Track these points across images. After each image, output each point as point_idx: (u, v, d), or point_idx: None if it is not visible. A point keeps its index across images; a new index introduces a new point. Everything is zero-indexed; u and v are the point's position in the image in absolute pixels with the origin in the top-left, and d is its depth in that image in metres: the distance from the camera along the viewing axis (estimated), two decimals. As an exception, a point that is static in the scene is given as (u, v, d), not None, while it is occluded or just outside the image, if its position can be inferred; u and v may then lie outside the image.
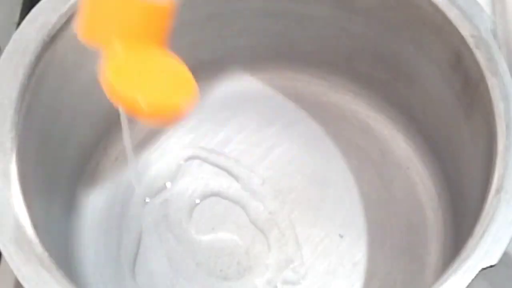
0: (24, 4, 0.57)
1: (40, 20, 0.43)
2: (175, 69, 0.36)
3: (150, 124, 0.35)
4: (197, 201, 0.51)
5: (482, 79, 0.42)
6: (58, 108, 0.46)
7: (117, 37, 0.36)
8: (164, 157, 0.53)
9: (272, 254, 0.49)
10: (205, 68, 0.54)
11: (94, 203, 0.51)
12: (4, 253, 0.37)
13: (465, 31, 0.43)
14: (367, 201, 0.51)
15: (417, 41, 0.48)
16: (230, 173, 0.52)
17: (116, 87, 0.34)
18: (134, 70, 0.36)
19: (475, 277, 0.36)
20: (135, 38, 0.36)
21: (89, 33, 0.37)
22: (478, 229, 0.38)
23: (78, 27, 0.37)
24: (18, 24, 0.45)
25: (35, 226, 0.38)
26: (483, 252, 0.37)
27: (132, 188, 0.52)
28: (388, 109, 0.54)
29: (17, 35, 0.43)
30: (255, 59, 0.55)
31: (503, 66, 0.42)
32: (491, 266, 0.37)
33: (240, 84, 0.55)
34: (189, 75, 0.36)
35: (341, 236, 0.50)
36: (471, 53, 0.43)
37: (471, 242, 0.37)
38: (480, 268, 0.36)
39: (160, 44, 0.37)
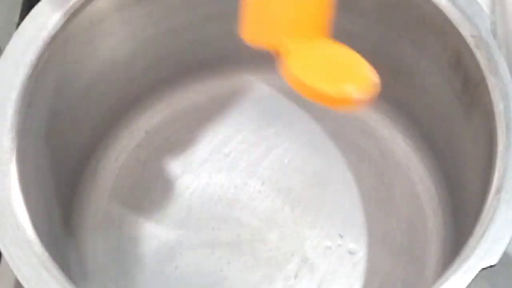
0: (24, 4, 0.56)
1: (40, 20, 0.43)
2: (351, 57, 0.38)
3: (336, 108, 0.40)
4: (197, 200, 0.51)
5: (482, 79, 0.42)
6: (58, 108, 0.46)
7: (287, 34, 0.38)
8: (164, 157, 0.53)
9: (272, 254, 0.49)
10: (205, 68, 0.54)
11: (94, 203, 0.51)
12: (4, 253, 0.37)
13: (465, 31, 0.43)
14: (367, 201, 0.51)
15: (417, 41, 0.48)
16: (230, 173, 0.52)
17: (304, 82, 0.36)
18: (316, 63, 0.38)
19: (475, 277, 0.36)
20: (303, 32, 0.38)
21: (256, 35, 0.39)
22: (478, 229, 0.38)
23: (244, 31, 0.39)
24: (18, 24, 0.45)
25: (35, 226, 0.39)
26: (483, 252, 0.37)
27: (132, 189, 0.52)
28: (388, 109, 0.54)
29: (17, 35, 0.43)
30: (255, 59, 0.55)
31: (503, 66, 0.42)
32: (491, 266, 0.37)
33: (240, 84, 0.55)
34: (364, 63, 0.38)
35: (341, 236, 0.50)
36: (471, 53, 0.43)
37: (471, 242, 0.37)
38: (480, 268, 0.36)
39: (324, 34, 0.39)
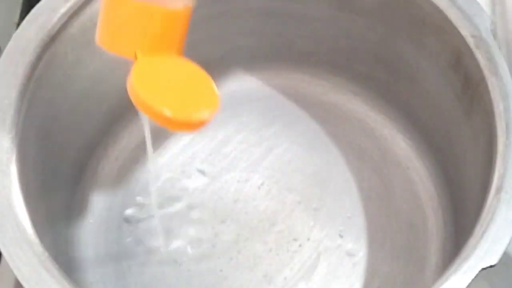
0: (24, 4, 0.56)
1: (40, 20, 0.43)
2: (198, 78, 0.37)
3: (173, 131, 0.36)
4: (197, 200, 0.51)
5: (482, 79, 0.42)
6: (57, 108, 0.46)
7: (138, 46, 0.36)
8: (164, 157, 0.53)
9: (272, 254, 0.49)
10: (205, 68, 0.54)
11: (94, 203, 0.51)
12: (4, 253, 0.37)
13: (465, 31, 0.43)
14: (367, 201, 0.51)
15: (417, 41, 0.48)
16: (230, 173, 0.52)
17: (142, 97, 0.35)
18: (159, 79, 0.36)
19: (475, 277, 0.36)
20: (155, 45, 0.37)
21: (108, 41, 0.37)
22: (478, 229, 0.38)
23: (97, 35, 0.38)
24: (18, 24, 0.45)
25: (35, 226, 0.39)
26: (483, 252, 0.37)
27: (132, 189, 0.52)
28: (388, 109, 0.54)
29: (17, 35, 0.43)
30: (255, 59, 0.55)
31: (503, 66, 0.42)
32: (491, 266, 0.36)
33: (240, 84, 0.55)
34: (211, 84, 0.37)
35: (341, 236, 0.50)
36: (471, 53, 0.43)
37: (471, 242, 0.37)
38: (480, 268, 0.36)
39: (178, 50, 0.38)
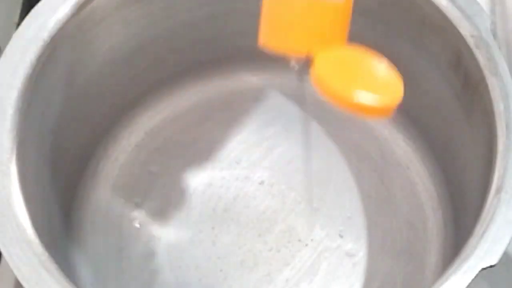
0: (24, 4, 0.57)
1: (40, 20, 0.43)
2: (379, 65, 0.38)
3: (363, 116, 0.39)
4: (197, 200, 0.51)
5: (482, 79, 0.42)
6: (57, 108, 0.46)
7: (309, 42, 0.38)
8: (164, 157, 0.53)
9: (272, 254, 0.49)
10: (205, 68, 0.54)
11: (94, 203, 0.51)
12: (4, 253, 0.37)
13: (465, 31, 0.43)
14: (367, 201, 0.51)
15: (417, 41, 0.48)
16: (230, 173, 0.52)
17: (332, 87, 0.36)
18: (344, 69, 0.38)
19: (475, 277, 0.36)
20: (325, 39, 0.38)
21: (276, 42, 0.39)
22: (478, 229, 0.38)
23: (263, 37, 0.39)
24: (18, 24, 0.45)
25: (35, 226, 0.38)
26: (483, 252, 0.37)
27: (132, 189, 0.52)
28: (388, 109, 0.53)
29: (17, 35, 0.43)
30: (255, 59, 0.55)
31: (503, 66, 0.42)
32: (491, 266, 0.36)
33: (240, 84, 0.55)
34: (393, 71, 0.38)
35: (341, 236, 0.50)
36: (471, 53, 0.43)
37: (471, 242, 0.37)
38: (480, 268, 0.36)
39: (344, 40, 0.39)
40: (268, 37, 0.39)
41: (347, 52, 0.38)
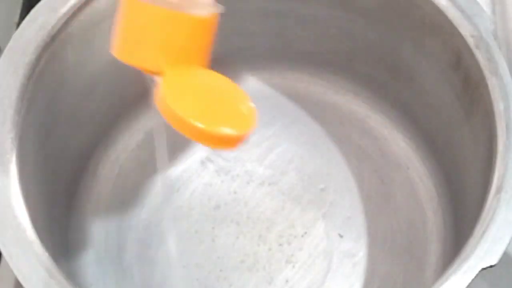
0: (24, 4, 0.57)
1: (40, 20, 0.43)
2: (231, 92, 0.35)
3: (210, 147, 0.35)
4: (197, 200, 0.51)
5: (482, 79, 0.42)
6: (58, 108, 0.46)
7: (162, 58, 0.34)
8: (164, 157, 0.53)
9: (272, 254, 0.49)
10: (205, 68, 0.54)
11: (94, 203, 0.51)
12: (4, 253, 0.37)
13: (465, 31, 0.43)
14: (367, 201, 0.51)
15: (417, 41, 0.48)
16: (230, 173, 0.52)
17: (175, 112, 0.33)
18: (193, 93, 0.34)
19: (475, 277, 0.36)
20: (180, 57, 0.35)
21: (127, 54, 0.35)
22: (478, 229, 0.38)
23: (114, 46, 0.35)
24: (18, 24, 0.45)
25: (35, 226, 0.38)
26: (483, 252, 0.37)
27: (132, 189, 0.52)
28: (388, 109, 0.54)
29: (17, 35, 0.43)
30: (255, 59, 0.55)
31: (503, 66, 0.42)
32: (491, 266, 0.36)
33: (240, 84, 0.55)
34: (246, 98, 0.35)
35: (341, 236, 0.50)
36: (471, 53, 0.43)
37: (471, 242, 0.37)
38: (480, 268, 0.36)
39: (204, 62, 0.35)
40: (121, 49, 0.35)
41: (200, 75, 0.35)
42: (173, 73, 0.34)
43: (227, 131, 0.33)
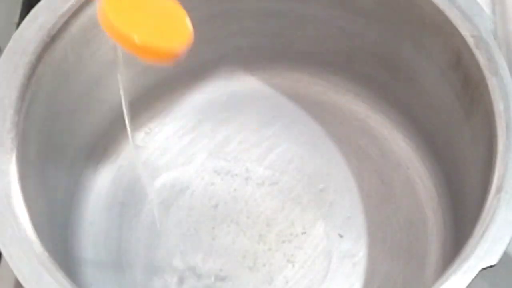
0: (24, 4, 0.56)
1: (40, 20, 0.43)
2: (172, 10, 0.36)
3: (146, 62, 0.37)
4: (197, 200, 0.51)
5: (482, 79, 0.42)
6: (58, 108, 0.46)
7: None
8: (164, 157, 0.53)
9: (272, 254, 0.49)
10: (205, 68, 0.54)
11: (94, 203, 0.51)
12: (4, 253, 0.37)
13: (465, 31, 0.43)
14: (367, 201, 0.51)
15: (417, 41, 0.48)
16: (230, 173, 0.52)
17: (113, 23, 0.34)
18: (132, 8, 0.36)
19: (475, 277, 0.36)
20: None
21: None
22: (478, 229, 0.38)
23: None
24: (18, 24, 0.45)
25: (35, 226, 0.38)
26: (483, 252, 0.37)
27: (132, 189, 0.52)
28: (388, 109, 0.54)
29: (17, 35, 0.43)
30: (255, 59, 0.55)
31: (503, 66, 0.42)
32: (491, 266, 0.36)
33: (240, 84, 0.55)
34: (185, 17, 0.36)
35: (341, 236, 0.50)
36: (471, 53, 0.43)
37: (471, 242, 0.37)
38: (480, 268, 0.36)
39: None
40: None
41: None
42: None
43: (161, 44, 0.35)
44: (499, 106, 0.41)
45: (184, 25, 0.36)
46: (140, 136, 0.54)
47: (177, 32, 0.36)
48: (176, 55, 0.35)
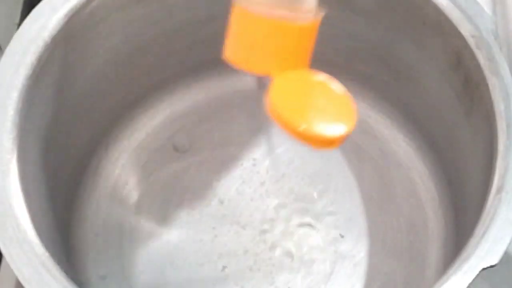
0: (24, 4, 0.57)
1: (40, 21, 0.43)
2: (335, 93, 0.37)
3: (315, 147, 0.37)
4: (198, 200, 0.51)
5: (482, 79, 0.42)
6: (58, 108, 0.46)
7: (271, 63, 0.37)
8: (165, 157, 0.53)
9: (272, 254, 0.49)
10: (205, 68, 0.54)
11: (95, 203, 0.51)
12: (5, 254, 0.37)
13: (465, 31, 0.43)
14: (367, 201, 0.51)
15: (417, 41, 0.48)
16: (230, 173, 0.52)
17: (281, 113, 0.36)
18: (298, 96, 0.37)
19: (476, 277, 0.36)
20: (288, 62, 0.37)
21: (240, 59, 0.38)
22: (479, 229, 0.38)
23: (227, 52, 0.38)
24: (19, 24, 0.45)
25: (36, 226, 0.38)
26: (483, 252, 0.37)
27: (132, 189, 0.52)
28: (388, 109, 0.54)
29: (18, 35, 0.43)
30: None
31: (503, 66, 0.42)
32: (491, 266, 0.36)
33: (240, 84, 0.55)
34: (348, 99, 0.37)
35: (342, 236, 0.50)
36: (472, 53, 0.43)
37: (471, 242, 0.37)
38: (480, 268, 0.36)
39: (307, 63, 0.38)
40: (232, 52, 0.38)
41: (305, 78, 0.37)
42: (281, 77, 0.37)
43: (326, 132, 0.36)
44: (499, 106, 0.41)
45: (348, 107, 0.36)
46: (141, 136, 0.54)
47: (342, 117, 0.36)
48: (339, 140, 0.36)
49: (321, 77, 0.37)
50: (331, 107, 0.37)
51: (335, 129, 0.36)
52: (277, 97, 0.36)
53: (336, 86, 0.37)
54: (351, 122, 0.36)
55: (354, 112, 0.36)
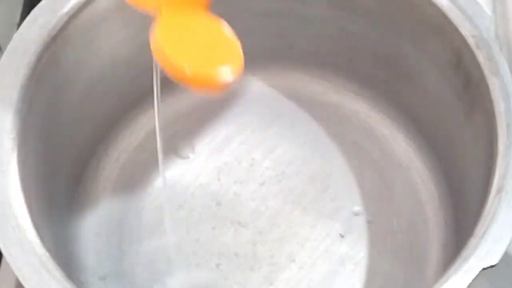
0: (24, 4, 0.57)
1: (40, 21, 0.43)
2: (223, 36, 0.36)
3: (197, 91, 0.36)
4: (198, 200, 0.51)
5: (482, 79, 0.42)
6: (58, 109, 0.46)
7: (165, 1, 0.35)
8: (164, 157, 0.53)
9: (272, 254, 0.49)
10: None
11: (95, 203, 0.51)
12: (5, 254, 0.37)
13: (465, 31, 0.43)
14: (367, 201, 0.51)
15: (417, 41, 0.48)
16: (230, 173, 0.52)
17: (165, 52, 0.34)
18: (184, 36, 0.36)
19: (476, 277, 0.36)
20: (182, 1, 0.36)
21: None
22: (479, 229, 0.38)
23: None
24: (19, 24, 0.45)
25: (36, 226, 0.38)
26: (484, 252, 0.37)
27: (132, 189, 0.52)
28: (388, 109, 0.54)
29: (18, 35, 0.43)
30: (255, 59, 0.55)
31: (503, 66, 0.42)
32: (491, 266, 0.36)
33: (240, 84, 0.55)
34: (236, 44, 0.36)
35: (342, 236, 0.50)
36: (472, 53, 0.43)
37: (472, 242, 0.37)
38: (481, 268, 0.36)
39: (205, 7, 0.37)
40: None
41: (194, 18, 0.36)
42: (169, 15, 0.35)
43: (212, 73, 0.34)
44: (499, 106, 0.41)
45: (235, 52, 0.35)
46: (141, 136, 0.54)
47: (228, 61, 0.35)
48: (227, 84, 0.35)
49: (211, 17, 0.36)
50: (218, 49, 0.36)
51: (221, 70, 0.34)
52: (162, 35, 0.35)
53: (226, 29, 0.36)
54: (237, 65, 0.35)
55: (241, 57, 0.35)
